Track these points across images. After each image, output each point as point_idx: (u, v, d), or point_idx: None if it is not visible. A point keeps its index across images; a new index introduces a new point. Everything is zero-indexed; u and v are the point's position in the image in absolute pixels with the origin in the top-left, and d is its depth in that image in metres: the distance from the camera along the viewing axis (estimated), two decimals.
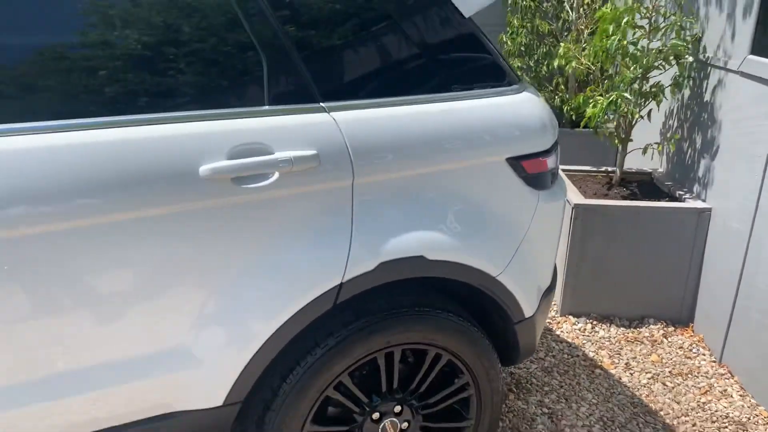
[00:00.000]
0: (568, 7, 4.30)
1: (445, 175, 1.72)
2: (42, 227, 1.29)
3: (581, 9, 4.23)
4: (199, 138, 1.43)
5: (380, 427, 1.84)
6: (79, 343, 1.40)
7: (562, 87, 4.58)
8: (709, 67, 3.16)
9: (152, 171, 1.38)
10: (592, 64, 3.52)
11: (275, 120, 1.52)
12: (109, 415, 1.49)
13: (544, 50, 4.30)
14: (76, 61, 1.36)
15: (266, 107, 1.53)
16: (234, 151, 1.46)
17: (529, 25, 4.29)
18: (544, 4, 4.31)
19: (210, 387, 1.56)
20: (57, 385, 1.41)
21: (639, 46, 3.15)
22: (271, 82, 1.54)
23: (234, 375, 1.56)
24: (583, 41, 4.11)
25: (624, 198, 3.30)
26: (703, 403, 2.67)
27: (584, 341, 3.12)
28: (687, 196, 3.26)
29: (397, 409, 1.86)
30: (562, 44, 3.56)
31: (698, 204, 3.13)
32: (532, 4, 4.32)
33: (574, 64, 3.47)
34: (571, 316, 3.30)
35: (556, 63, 3.57)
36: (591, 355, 3.01)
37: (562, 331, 3.18)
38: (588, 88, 3.51)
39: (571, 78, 4.39)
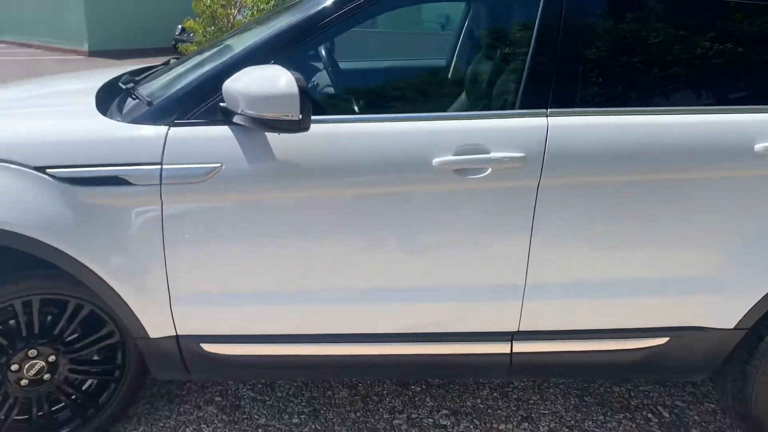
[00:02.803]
0: None
1: None
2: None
3: None
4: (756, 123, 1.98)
5: None
6: (655, 265, 2.04)
7: None
8: None
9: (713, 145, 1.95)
10: None
11: None
12: (653, 317, 2.10)
13: None
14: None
15: None
16: None
17: None
18: None
19: (727, 310, 2.07)
20: (633, 288, 2.06)
21: None
22: None
23: (749, 305, 2.05)
24: None
25: None
26: None
27: None
28: None
29: None
30: None
31: None
32: None
33: None
34: None
35: None
36: None
37: None
38: None
39: None
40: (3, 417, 2.09)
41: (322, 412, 2.50)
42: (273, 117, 1.77)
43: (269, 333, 2.08)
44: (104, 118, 2.01)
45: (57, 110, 2.21)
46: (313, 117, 1.87)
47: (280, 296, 2.03)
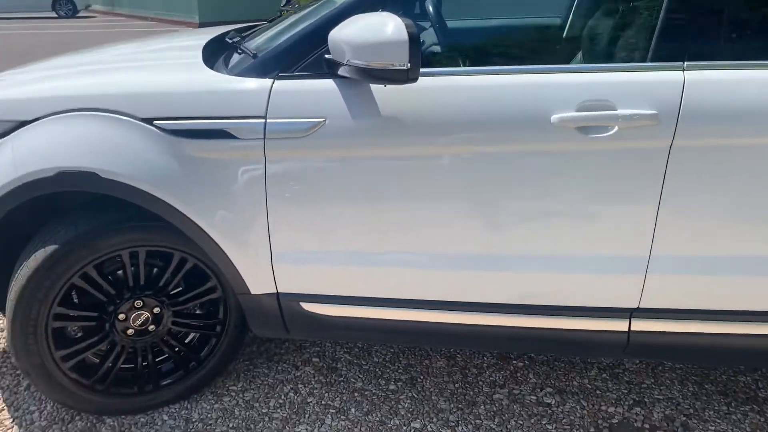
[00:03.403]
0: None
1: None
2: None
3: None
4: None
5: None
6: None
7: None
8: None
9: None
10: None
11: None
12: None
13: None
14: None
15: None
16: None
17: None
18: None
19: None
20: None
21: None
22: None
23: None
24: None
25: None
26: None
27: None
28: None
29: None
30: None
31: None
32: None
33: None
34: None
35: None
36: None
37: None
38: None
39: None
40: (110, 365, 2.15)
41: (419, 380, 2.43)
42: (380, 66, 1.67)
43: (368, 295, 2.01)
44: (211, 71, 1.98)
45: (165, 64, 2.21)
46: (421, 69, 1.75)
47: (381, 257, 1.95)
